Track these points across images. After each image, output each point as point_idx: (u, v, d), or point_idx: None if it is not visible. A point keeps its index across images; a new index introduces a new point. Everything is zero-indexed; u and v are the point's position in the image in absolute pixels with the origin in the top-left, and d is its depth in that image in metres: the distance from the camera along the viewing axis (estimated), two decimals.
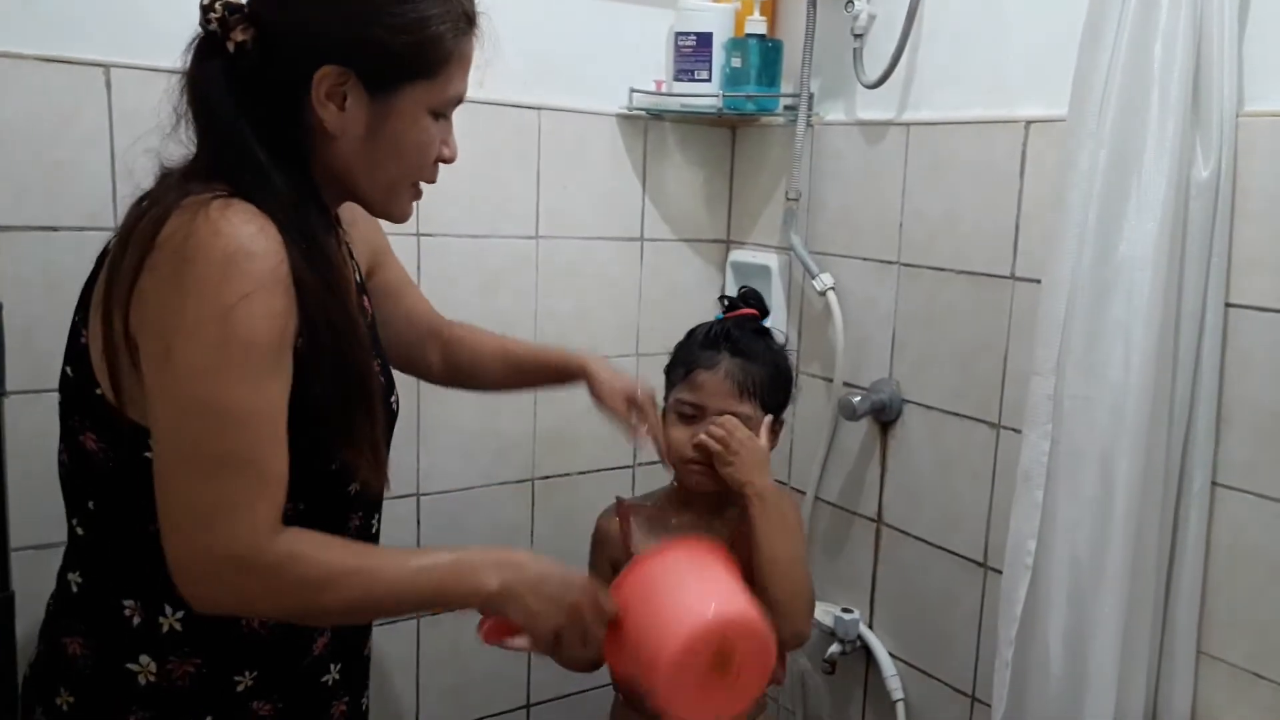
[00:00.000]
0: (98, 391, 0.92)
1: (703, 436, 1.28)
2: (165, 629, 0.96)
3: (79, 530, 0.99)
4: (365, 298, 1.11)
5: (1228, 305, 1.21)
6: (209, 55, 0.92)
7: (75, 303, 1.04)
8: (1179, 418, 1.23)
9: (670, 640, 0.97)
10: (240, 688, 0.99)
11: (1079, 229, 1.20)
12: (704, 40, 1.72)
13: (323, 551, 0.91)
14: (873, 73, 1.59)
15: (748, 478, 1.26)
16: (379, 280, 1.27)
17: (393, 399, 1.10)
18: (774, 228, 1.84)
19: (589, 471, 1.85)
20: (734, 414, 1.29)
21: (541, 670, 1.83)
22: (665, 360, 1.40)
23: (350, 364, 0.94)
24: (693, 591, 1.01)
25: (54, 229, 1.33)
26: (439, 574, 0.95)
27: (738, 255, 1.91)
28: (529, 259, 1.73)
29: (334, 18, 0.91)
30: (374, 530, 1.12)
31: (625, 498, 1.43)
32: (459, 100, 1.00)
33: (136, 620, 0.96)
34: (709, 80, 1.72)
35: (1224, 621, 1.25)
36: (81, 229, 1.34)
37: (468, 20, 0.97)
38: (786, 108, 1.75)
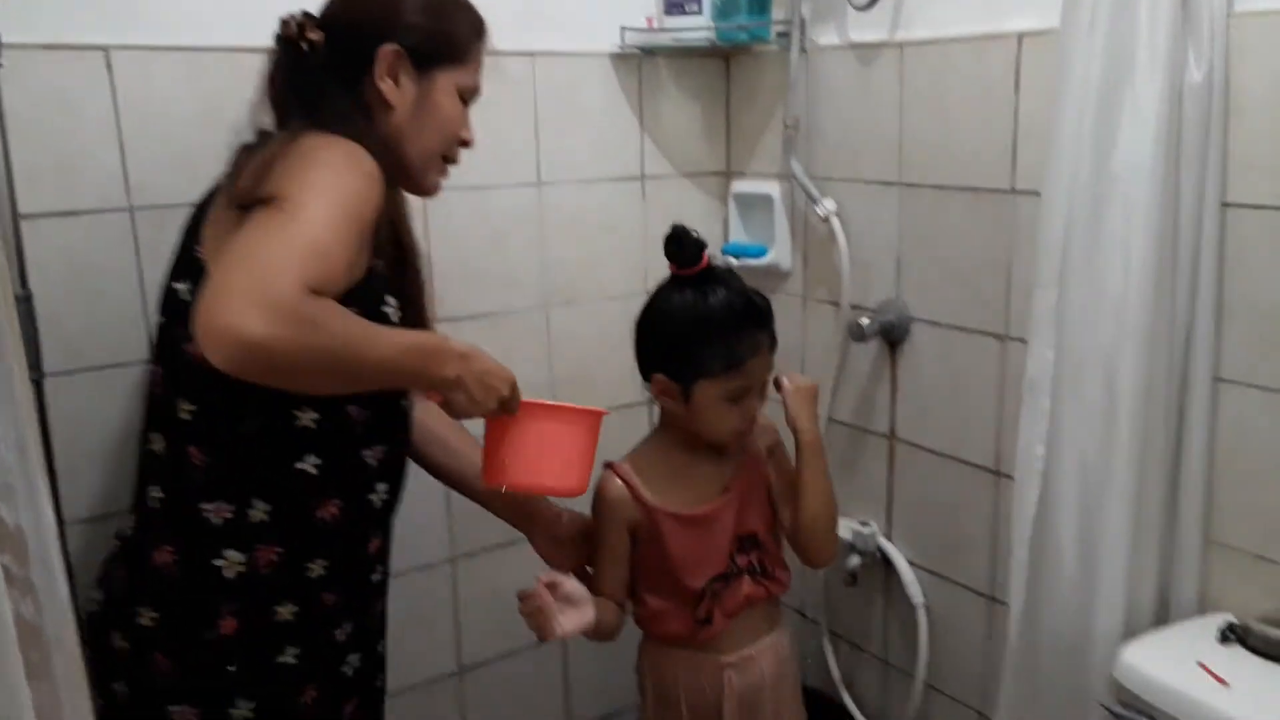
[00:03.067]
0: None
1: (789, 395, 1.34)
2: (254, 520, 1.08)
3: (159, 446, 1.11)
4: None
5: (1224, 205, 1.23)
6: (286, 51, 1.14)
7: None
8: (1180, 319, 1.26)
9: (521, 475, 1.19)
10: (313, 574, 1.12)
11: (1074, 141, 1.22)
12: None
13: (343, 315, 0.95)
14: None
15: (798, 424, 1.35)
16: None
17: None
18: (774, 156, 1.85)
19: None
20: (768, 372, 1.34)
21: None
22: None
23: (414, 292, 1.19)
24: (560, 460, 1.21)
25: (73, 213, 1.35)
26: (417, 356, 1.05)
27: (739, 186, 1.93)
28: (533, 207, 1.76)
29: (392, 6, 1.15)
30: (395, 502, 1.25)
31: (612, 461, 1.40)
32: (477, 91, 1.23)
33: (217, 520, 1.08)
34: (700, 13, 1.72)
35: (1229, 509, 1.30)
36: (98, 211, 1.37)
37: (483, 28, 1.21)
38: (779, 35, 1.75)
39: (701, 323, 1.28)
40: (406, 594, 1.59)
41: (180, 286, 1.08)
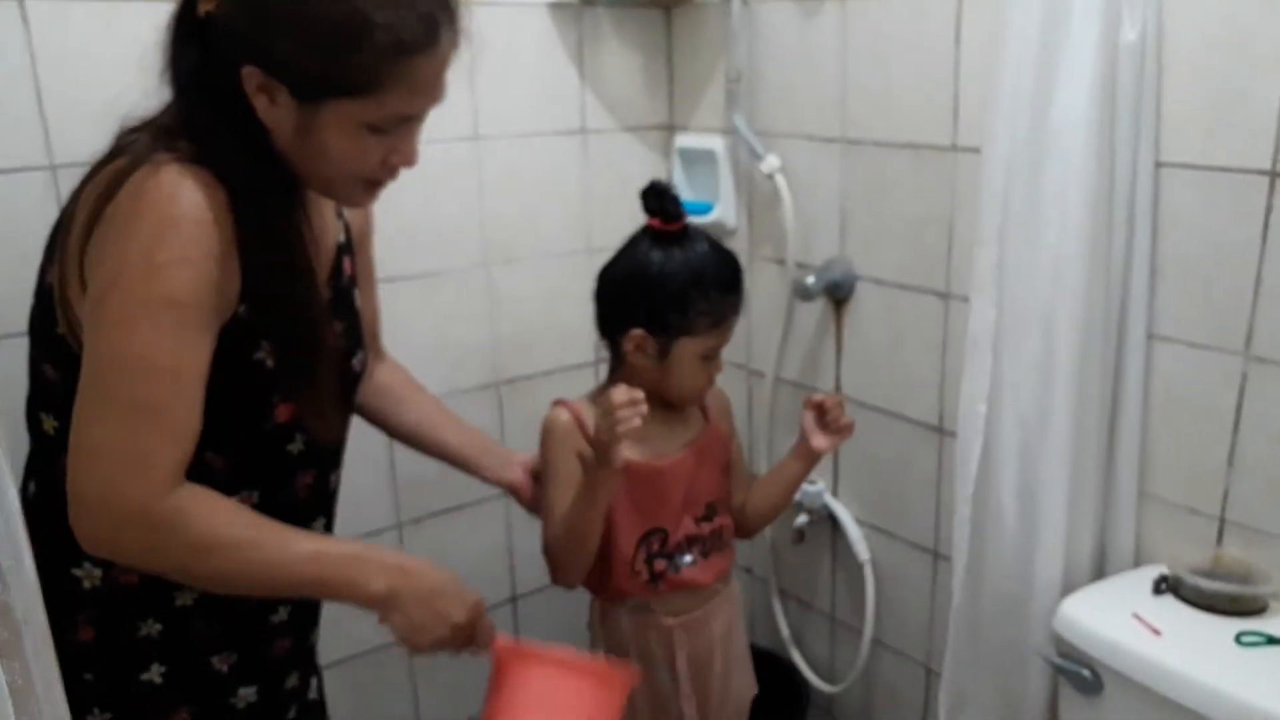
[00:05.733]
0: (57, 330, 0.96)
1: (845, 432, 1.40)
2: None
3: (36, 444, 1.05)
4: (347, 258, 1.14)
5: (1158, 164, 1.23)
6: (186, 24, 0.93)
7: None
8: (1115, 276, 1.26)
9: None
10: (179, 603, 1.04)
11: (1013, 98, 1.21)
12: None
13: (213, 517, 0.93)
14: None
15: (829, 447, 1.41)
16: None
17: (355, 359, 1.14)
18: (717, 110, 1.82)
19: (551, 371, 1.87)
20: None
21: (526, 565, 1.89)
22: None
23: (296, 331, 0.99)
24: None
25: None
26: (324, 565, 0.97)
27: (683, 140, 1.89)
28: (469, 161, 1.71)
29: (260, 26, 0.90)
30: (331, 487, 1.16)
31: (562, 398, 1.40)
32: (406, 118, 0.97)
33: None
34: None
35: (1163, 464, 1.32)
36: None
37: (414, 45, 0.92)
38: None
39: (692, 281, 1.28)
40: None
41: (36, 307, 1.01)
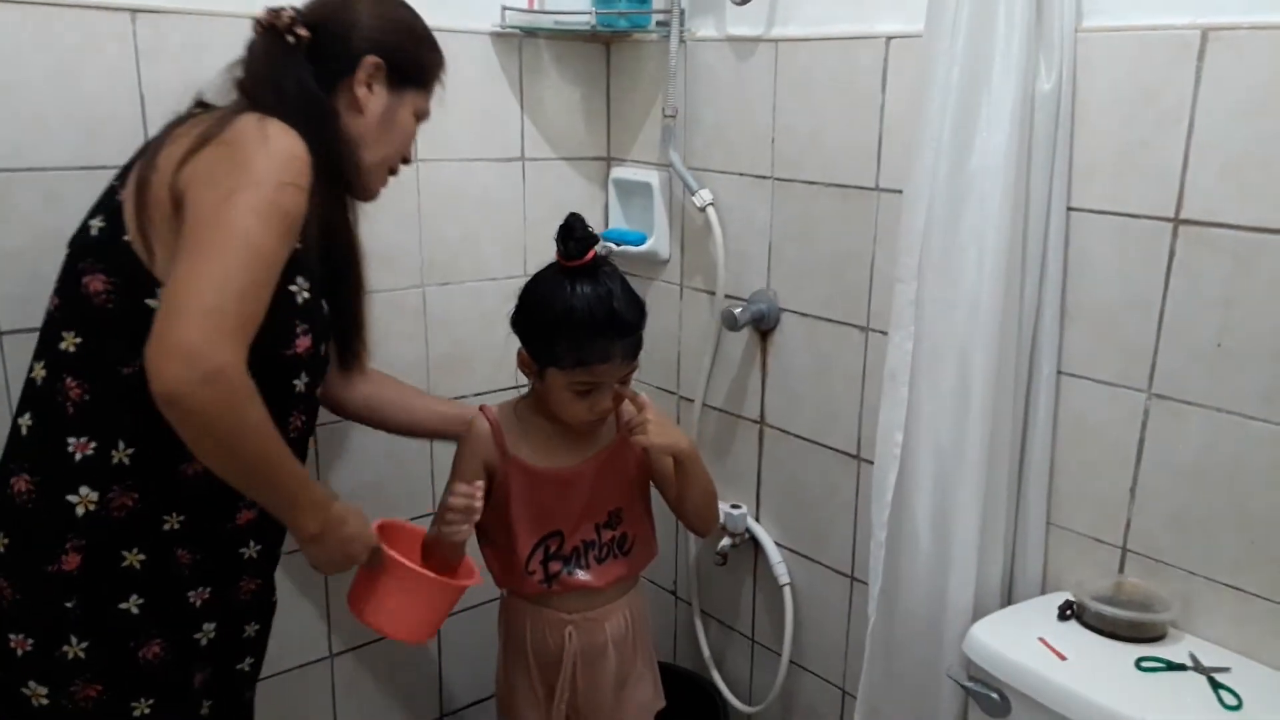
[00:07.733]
0: (125, 238, 1.08)
1: (650, 440, 1.36)
2: (115, 461, 1.10)
3: (39, 375, 1.13)
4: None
5: (1070, 209, 1.30)
6: (272, 40, 1.18)
7: None
8: (1028, 314, 1.33)
9: (383, 623, 1.32)
10: (167, 527, 1.14)
11: (935, 142, 1.27)
12: None
13: (261, 402, 1.04)
14: None
15: (676, 445, 1.39)
16: None
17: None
18: (653, 144, 1.86)
19: (484, 393, 1.88)
20: (626, 375, 1.39)
21: None
22: None
23: (347, 275, 1.28)
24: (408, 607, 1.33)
25: None
26: (305, 489, 1.14)
27: (619, 172, 1.93)
28: (410, 184, 1.72)
29: (389, 31, 1.25)
30: (311, 431, 1.30)
31: (486, 405, 1.47)
32: (428, 115, 1.34)
33: (79, 455, 1.10)
34: None
35: (1069, 494, 1.38)
36: None
37: (444, 62, 1.33)
38: (659, 24, 1.76)
39: (560, 317, 1.33)
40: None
41: (94, 223, 1.12)
